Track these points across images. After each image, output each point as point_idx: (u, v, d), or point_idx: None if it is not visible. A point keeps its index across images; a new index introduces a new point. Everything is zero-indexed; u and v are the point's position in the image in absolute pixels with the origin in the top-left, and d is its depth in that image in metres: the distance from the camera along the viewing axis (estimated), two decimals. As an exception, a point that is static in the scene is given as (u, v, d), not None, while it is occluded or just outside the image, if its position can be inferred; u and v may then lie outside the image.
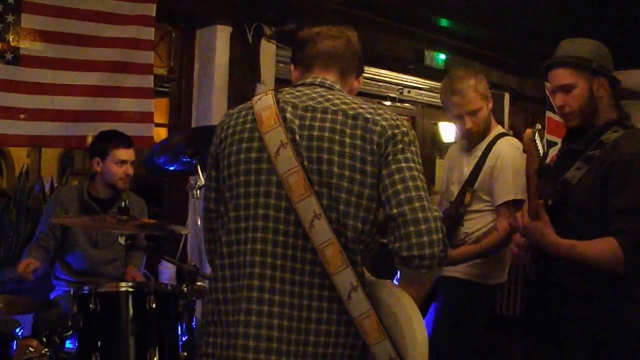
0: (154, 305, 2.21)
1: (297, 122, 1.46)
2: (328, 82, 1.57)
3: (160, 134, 4.10)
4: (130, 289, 2.33)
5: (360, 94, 5.57)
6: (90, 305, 2.27)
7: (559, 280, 2.04)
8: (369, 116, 1.46)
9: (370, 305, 1.40)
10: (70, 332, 2.34)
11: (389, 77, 4.99)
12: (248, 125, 1.50)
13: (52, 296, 2.96)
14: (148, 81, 3.59)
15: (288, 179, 1.41)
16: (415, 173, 1.43)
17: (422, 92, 5.25)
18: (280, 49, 4.02)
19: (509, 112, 5.66)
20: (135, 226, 2.53)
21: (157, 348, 2.17)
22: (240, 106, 1.58)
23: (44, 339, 2.30)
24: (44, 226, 2.91)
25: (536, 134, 1.89)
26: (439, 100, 2.81)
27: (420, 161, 1.48)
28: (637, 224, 1.86)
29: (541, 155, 1.92)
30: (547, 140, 5.27)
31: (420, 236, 1.37)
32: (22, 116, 3.26)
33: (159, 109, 4.03)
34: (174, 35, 4.05)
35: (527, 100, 5.81)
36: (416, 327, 1.42)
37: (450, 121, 2.79)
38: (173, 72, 4.07)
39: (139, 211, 2.96)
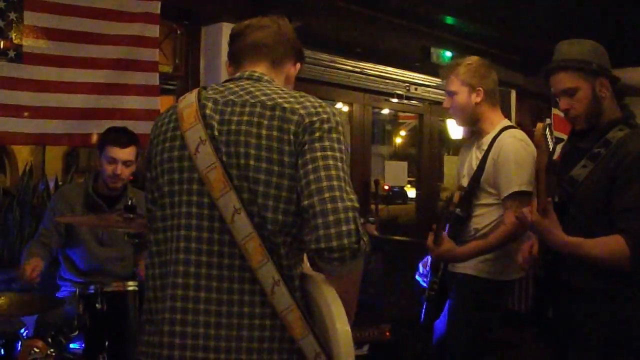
0: (161, 304, 2.18)
1: (217, 117, 1.44)
2: (256, 74, 1.55)
3: (166, 132, 4.07)
4: (137, 288, 2.31)
5: (368, 91, 5.58)
6: (97, 305, 2.25)
7: (569, 279, 2.04)
8: (287, 106, 1.43)
9: (293, 300, 1.38)
10: (75, 333, 2.32)
11: (395, 75, 4.99)
12: (171, 125, 1.49)
13: (57, 296, 2.91)
14: (154, 79, 3.57)
15: (208, 175, 1.40)
16: (331, 162, 1.38)
17: (429, 89, 5.24)
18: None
19: (516, 109, 5.64)
20: (142, 224, 2.49)
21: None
22: (170, 106, 1.58)
23: (50, 340, 2.28)
24: (47, 222, 2.86)
25: (547, 129, 1.88)
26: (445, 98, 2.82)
27: (343, 147, 1.43)
28: None
29: (550, 150, 1.91)
30: (555, 137, 5.25)
31: (327, 228, 1.32)
32: (25, 114, 3.23)
33: (165, 106, 3.98)
34: (179, 32, 4.03)
35: (534, 98, 5.79)
36: (337, 322, 1.38)
37: None
38: (178, 70, 4.05)
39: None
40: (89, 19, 3.37)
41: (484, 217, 2.53)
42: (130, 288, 2.32)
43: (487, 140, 2.57)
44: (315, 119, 1.41)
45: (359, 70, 4.72)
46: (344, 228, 1.32)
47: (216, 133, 1.42)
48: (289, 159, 1.39)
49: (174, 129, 1.48)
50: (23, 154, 4.38)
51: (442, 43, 5.00)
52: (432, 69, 4.95)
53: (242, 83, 1.52)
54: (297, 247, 1.44)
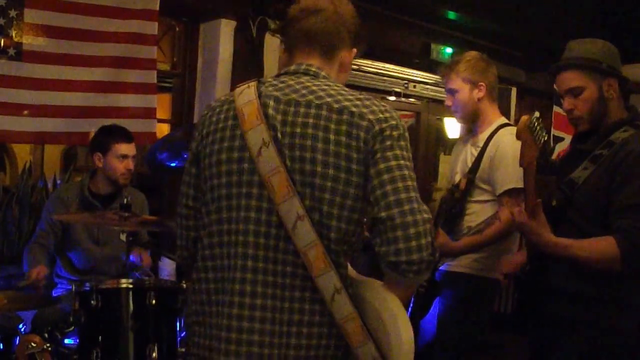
0: (153, 302, 2.22)
1: (279, 117, 1.38)
2: (313, 68, 1.47)
3: (163, 129, 4.10)
4: (131, 285, 2.33)
5: (365, 89, 5.52)
6: (92, 302, 2.27)
7: (550, 280, 2.02)
8: (354, 110, 1.38)
9: (354, 308, 1.36)
10: (71, 328, 2.35)
11: (394, 72, 4.95)
12: (230, 122, 1.42)
13: (54, 294, 2.95)
14: (151, 76, 3.59)
15: (271, 180, 1.35)
16: (406, 172, 1.37)
17: (428, 86, 5.20)
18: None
19: (516, 106, 5.61)
20: (136, 223, 2.52)
21: (156, 344, 2.16)
22: (223, 98, 1.50)
23: (46, 335, 2.31)
24: (44, 224, 2.90)
25: (534, 122, 1.84)
26: (444, 95, 2.82)
27: (410, 155, 1.41)
28: (636, 222, 1.83)
29: (540, 145, 1.87)
30: (554, 136, 5.23)
31: (408, 241, 1.32)
32: (25, 112, 3.25)
33: (162, 104, 4.02)
34: (177, 29, 4.04)
35: (535, 95, 5.76)
36: (402, 329, 1.38)
37: None
38: (176, 67, 4.06)
39: (140, 207, 2.95)
40: (88, 17, 3.39)
41: (477, 214, 2.53)
42: (124, 285, 2.34)
43: (483, 137, 2.57)
44: (384, 125, 1.38)
45: (356, 67, 4.69)
46: (422, 241, 1.33)
47: (279, 135, 1.37)
48: (357, 166, 1.36)
49: (232, 128, 1.42)
50: (22, 152, 4.39)
51: (443, 39, 4.97)
52: (431, 66, 4.92)
53: (301, 80, 1.44)
54: (350, 254, 1.43)
